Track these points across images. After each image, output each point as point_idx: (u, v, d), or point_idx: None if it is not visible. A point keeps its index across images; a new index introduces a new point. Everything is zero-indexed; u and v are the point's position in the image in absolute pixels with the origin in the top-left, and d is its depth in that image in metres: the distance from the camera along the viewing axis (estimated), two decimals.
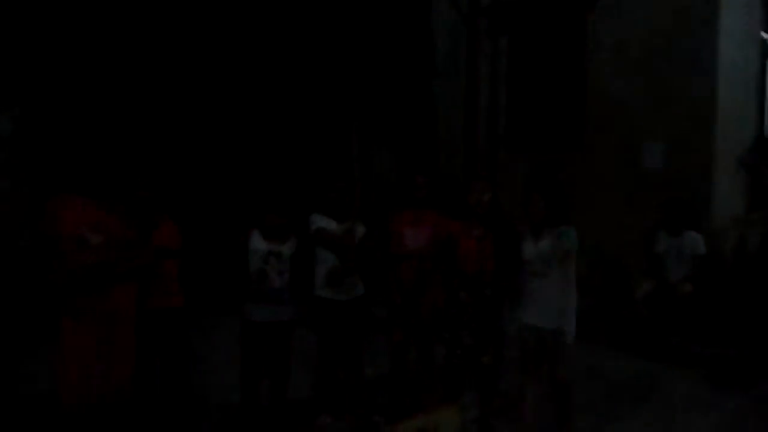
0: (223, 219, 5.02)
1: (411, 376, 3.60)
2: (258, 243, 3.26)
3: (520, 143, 7.47)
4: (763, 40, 6.56)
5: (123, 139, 3.90)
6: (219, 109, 6.82)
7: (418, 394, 3.56)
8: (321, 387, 3.55)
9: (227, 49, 6.69)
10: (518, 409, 3.32)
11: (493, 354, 3.30)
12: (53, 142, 5.45)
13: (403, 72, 8.04)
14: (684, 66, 6.06)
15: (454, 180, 3.85)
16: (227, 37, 6.67)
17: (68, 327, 2.44)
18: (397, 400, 3.60)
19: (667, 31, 6.14)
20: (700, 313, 4.92)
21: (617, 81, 6.53)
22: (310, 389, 3.66)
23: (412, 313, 3.49)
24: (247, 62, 6.97)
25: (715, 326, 4.92)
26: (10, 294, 5.13)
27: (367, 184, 4.82)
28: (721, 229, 5.89)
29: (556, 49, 7.17)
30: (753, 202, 6.37)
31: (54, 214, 2.41)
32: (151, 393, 3.09)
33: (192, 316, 3.41)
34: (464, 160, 7.92)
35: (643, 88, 6.31)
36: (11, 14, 5.58)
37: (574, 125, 6.92)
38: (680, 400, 3.99)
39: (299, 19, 7.09)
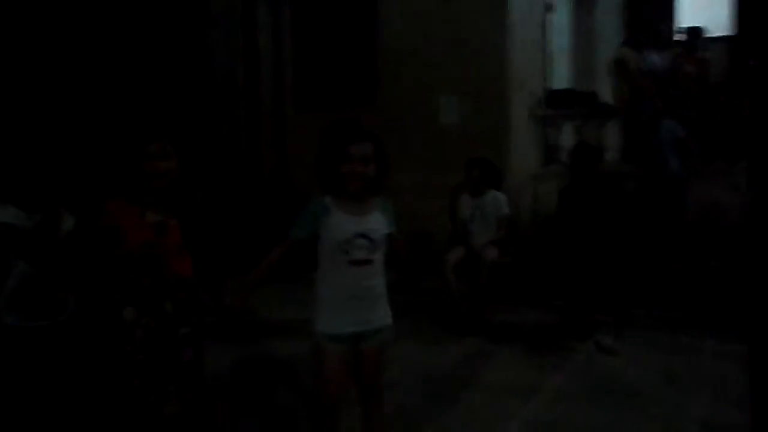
0: None
1: None
2: None
3: (309, 100, 6.64)
4: None
5: None
6: None
7: None
8: None
9: None
10: None
11: (182, 399, 2.25)
12: None
13: (170, 21, 6.69)
14: (477, 17, 5.71)
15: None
16: None
17: None
18: None
19: None
20: (510, 280, 4.58)
21: (410, 32, 6.01)
22: None
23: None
24: None
25: (526, 292, 4.63)
26: None
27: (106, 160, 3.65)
28: (518, 186, 5.68)
29: None
30: (545, 156, 6.30)
31: None
32: None
33: None
34: (246, 120, 6.94)
35: (436, 40, 5.86)
36: None
37: (366, 80, 6.28)
38: (500, 384, 3.54)
39: None
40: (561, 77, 7.09)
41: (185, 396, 2.25)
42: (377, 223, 2.26)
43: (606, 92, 6.31)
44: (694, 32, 5.74)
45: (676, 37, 6.22)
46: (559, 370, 3.70)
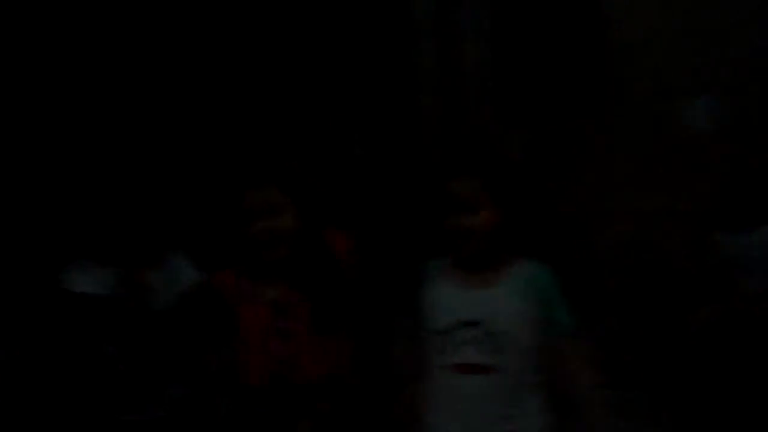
0: None
1: None
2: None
3: (515, 111, 5.77)
4: None
5: None
6: None
7: None
8: None
9: None
10: None
11: None
12: None
13: (373, 32, 6.34)
14: None
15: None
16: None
17: None
18: None
19: None
20: None
21: (641, 21, 4.85)
22: None
23: None
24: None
25: None
26: None
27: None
28: None
29: None
30: None
31: None
32: None
33: None
34: (447, 138, 6.28)
35: (682, 22, 4.65)
36: None
37: (587, 81, 5.24)
38: None
39: None
40: None
41: None
42: (508, 303, 1.36)
43: None
44: None
45: None
46: None
